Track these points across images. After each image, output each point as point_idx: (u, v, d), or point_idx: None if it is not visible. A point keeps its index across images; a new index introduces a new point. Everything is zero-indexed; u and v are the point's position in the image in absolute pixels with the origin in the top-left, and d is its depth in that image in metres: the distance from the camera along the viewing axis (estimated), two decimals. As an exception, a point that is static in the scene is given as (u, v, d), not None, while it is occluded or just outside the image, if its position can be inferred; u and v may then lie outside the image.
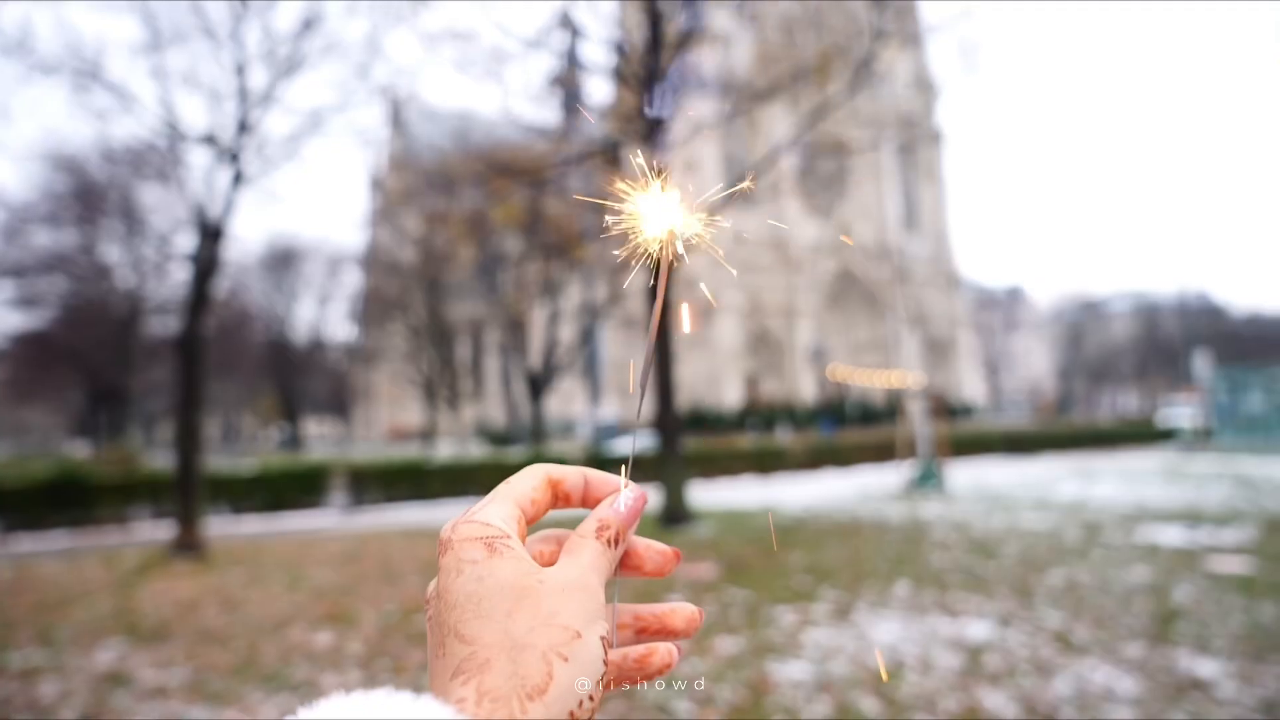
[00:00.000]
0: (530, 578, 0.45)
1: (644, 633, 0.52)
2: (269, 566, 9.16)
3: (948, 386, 59.64)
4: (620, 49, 12.71)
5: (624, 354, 52.49)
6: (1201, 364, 32.54)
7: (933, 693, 4.38)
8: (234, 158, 10.70)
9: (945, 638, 5.39)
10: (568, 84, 15.17)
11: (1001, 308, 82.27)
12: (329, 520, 14.35)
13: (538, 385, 31.08)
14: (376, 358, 49.10)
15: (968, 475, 19.08)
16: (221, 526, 13.18)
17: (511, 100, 21.85)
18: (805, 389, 53.62)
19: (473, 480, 17.49)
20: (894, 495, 15.22)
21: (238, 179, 10.73)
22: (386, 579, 8.20)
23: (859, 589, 6.94)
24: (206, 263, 10.96)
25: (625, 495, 0.52)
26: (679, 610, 0.53)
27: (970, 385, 65.66)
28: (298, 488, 15.73)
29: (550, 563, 0.49)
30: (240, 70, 10.84)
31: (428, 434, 43.65)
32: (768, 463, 21.96)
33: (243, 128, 10.71)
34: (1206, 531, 9.61)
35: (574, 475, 0.53)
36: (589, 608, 0.45)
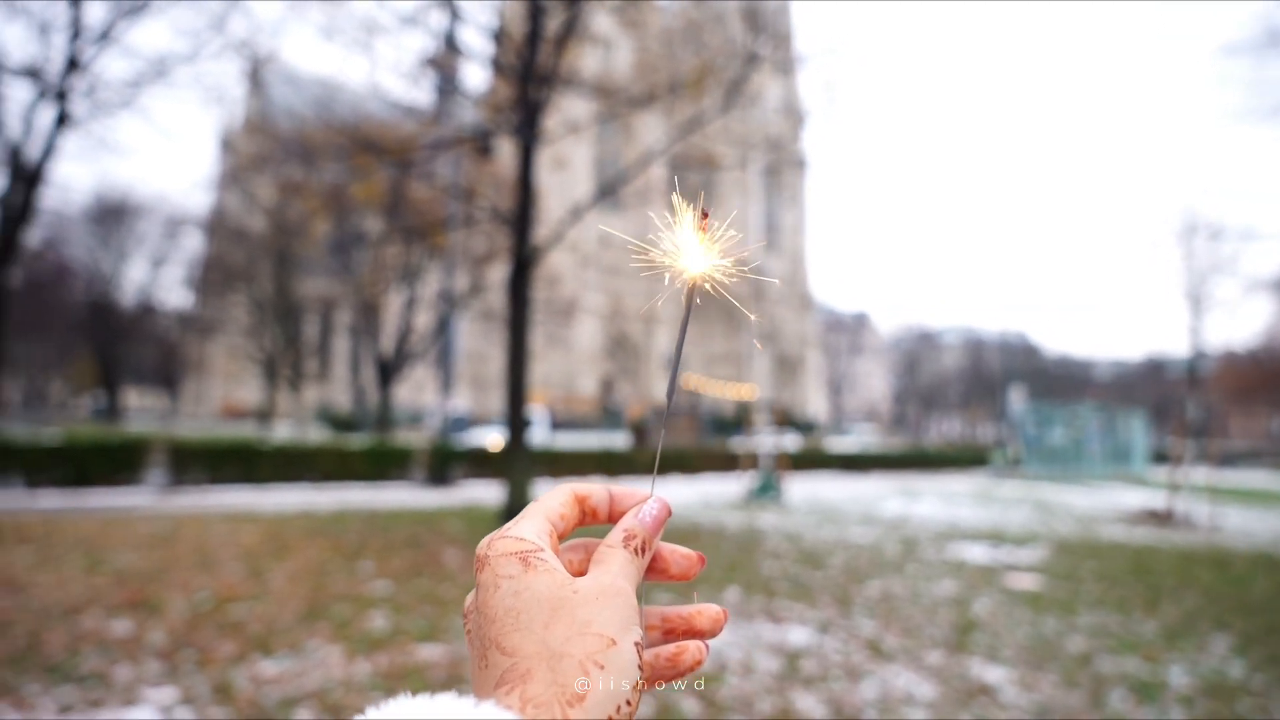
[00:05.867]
0: (565, 589, 0.47)
1: (671, 633, 0.55)
2: (64, 547, 8.35)
3: (794, 403, 62.40)
4: (498, 38, 12.48)
5: (480, 346, 51.66)
6: (1016, 397, 35.66)
7: (750, 695, 4.54)
8: (60, 96, 9.71)
9: (768, 643, 5.61)
10: (442, 66, 14.75)
11: (848, 331, 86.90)
12: (142, 499, 13.25)
13: (388, 371, 30.08)
14: (214, 329, 45.80)
15: (805, 489, 19.99)
16: (11, 500, 11.91)
17: (381, 75, 21.06)
18: (659, 394, 54.65)
19: (310, 465, 16.57)
20: (734, 505, 15.72)
21: (62, 120, 9.75)
22: (202, 565, 7.66)
23: (690, 595, 7.10)
24: (18, 208, 9.89)
25: (649, 506, 0.54)
26: (705, 611, 0.55)
27: (815, 403, 68.97)
28: (109, 462, 14.36)
29: (580, 571, 0.52)
30: (75, 1, 9.87)
31: (265, 414, 41.25)
32: (615, 465, 22.16)
33: (73, 65, 9.74)
34: (1007, 550, 10.50)
35: (600, 491, 0.56)
36: (623, 614, 0.47)
